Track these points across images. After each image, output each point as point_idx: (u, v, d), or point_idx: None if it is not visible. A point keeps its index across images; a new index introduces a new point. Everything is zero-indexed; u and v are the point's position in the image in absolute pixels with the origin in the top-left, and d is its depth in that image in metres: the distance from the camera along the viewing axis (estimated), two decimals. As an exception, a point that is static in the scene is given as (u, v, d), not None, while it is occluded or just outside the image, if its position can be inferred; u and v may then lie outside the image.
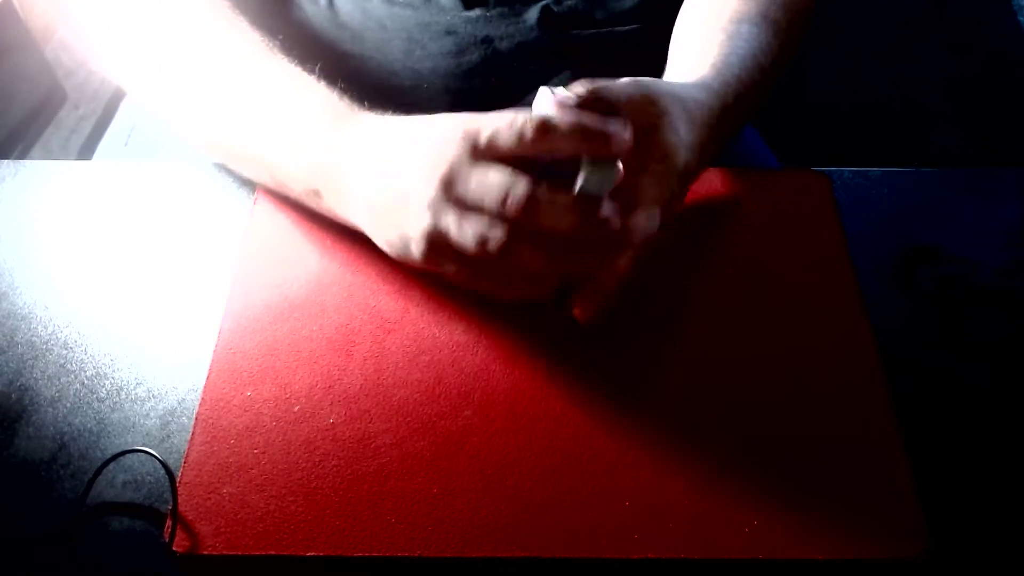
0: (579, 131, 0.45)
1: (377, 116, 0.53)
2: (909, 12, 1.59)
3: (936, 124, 1.44)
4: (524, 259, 0.45)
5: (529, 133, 0.44)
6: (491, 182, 0.44)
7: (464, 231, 0.45)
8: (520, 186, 0.44)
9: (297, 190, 0.56)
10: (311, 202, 0.56)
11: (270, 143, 0.55)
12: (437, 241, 0.46)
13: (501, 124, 0.45)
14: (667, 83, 0.55)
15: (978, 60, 1.53)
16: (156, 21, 0.60)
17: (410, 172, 0.47)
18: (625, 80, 0.50)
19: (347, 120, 0.53)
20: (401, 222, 0.48)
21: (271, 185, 0.58)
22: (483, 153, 0.45)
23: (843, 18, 1.53)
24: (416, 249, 0.48)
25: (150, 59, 0.60)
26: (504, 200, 0.44)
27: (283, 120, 0.55)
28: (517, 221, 0.44)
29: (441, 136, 0.46)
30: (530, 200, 0.44)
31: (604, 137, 0.45)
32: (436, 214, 0.46)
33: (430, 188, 0.46)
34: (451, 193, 0.45)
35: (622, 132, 0.45)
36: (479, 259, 0.46)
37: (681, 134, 0.50)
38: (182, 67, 0.59)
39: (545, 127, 0.44)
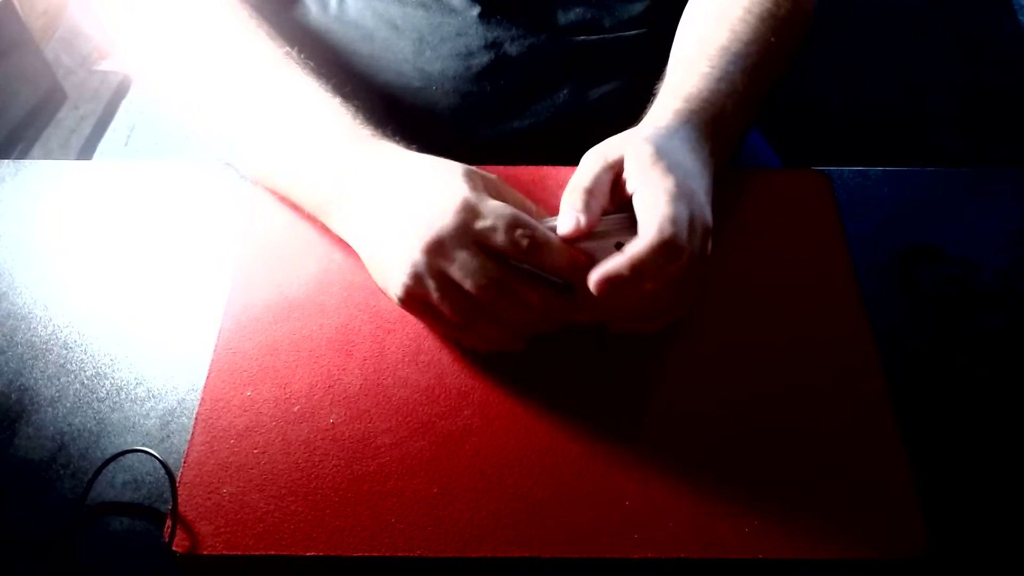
0: (568, 261, 0.48)
1: (389, 147, 0.54)
2: (910, 12, 1.59)
3: (937, 124, 1.44)
4: (487, 332, 0.50)
5: (523, 243, 0.47)
6: (474, 268, 0.47)
7: (441, 299, 0.49)
8: (499, 280, 0.47)
9: (307, 209, 0.58)
10: (321, 219, 0.57)
11: (283, 162, 0.57)
12: (415, 295, 0.50)
13: (500, 221, 0.48)
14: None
15: (979, 60, 1.53)
16: (179, 27, 0.60)
17: (404, 227, 0.49)
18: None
19: (360, 146, 0.54)
20: (386, 268, 0.51)
21: (286, 198, 0.60)
22: (474, 237, 0.48)
23: (845, 18, 1.53)
24: (393, 295, 0.51)
25: (173, 67, 0.61)
26: (482, 287, 0.47)
27: (297, 140, 0.56)
28: (489, 308, 0.48)
29: (440, 205, 0.49)
30: (506, 295, 0.48)
31: (585, 269, 0.47)
32: (417, 275, 0.49)
33: (415, 251, 0.48)
34: (434, 263, 0.48)
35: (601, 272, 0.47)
36: (449, 319, 0.50)
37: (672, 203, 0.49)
38: (204, 78, 0.59)
39: (541, 245, 0.47)
